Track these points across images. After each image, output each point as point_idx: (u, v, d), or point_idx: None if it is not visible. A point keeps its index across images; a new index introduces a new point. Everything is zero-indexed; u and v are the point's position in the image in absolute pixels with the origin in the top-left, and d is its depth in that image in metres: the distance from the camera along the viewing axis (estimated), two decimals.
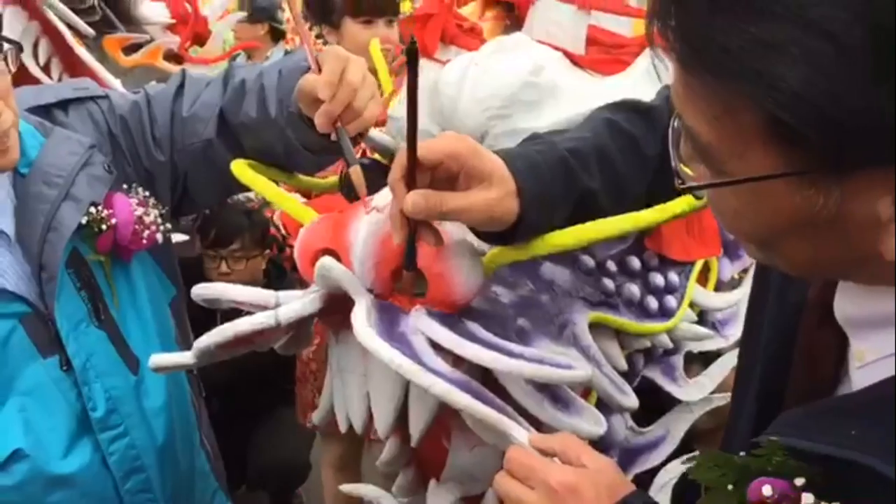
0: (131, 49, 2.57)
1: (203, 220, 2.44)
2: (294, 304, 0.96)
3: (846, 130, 0.52)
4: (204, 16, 3.04)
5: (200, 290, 1.03)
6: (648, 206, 0.99)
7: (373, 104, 1.15)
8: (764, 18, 0.52)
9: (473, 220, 0.92)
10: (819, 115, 0.52)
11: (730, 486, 0.67)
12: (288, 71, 1.23)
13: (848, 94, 0.51)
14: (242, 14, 3.77)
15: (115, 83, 2.13)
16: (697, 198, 0.88)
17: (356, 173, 1.02)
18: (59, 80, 2.18)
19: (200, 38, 3.04)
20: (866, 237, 0.57)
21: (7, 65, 1.14)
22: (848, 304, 0.69)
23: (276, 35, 4.56)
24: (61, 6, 2.14)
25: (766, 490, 0.63)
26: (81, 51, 2.21)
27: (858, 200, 0.55)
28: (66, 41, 2.16)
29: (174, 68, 2.59)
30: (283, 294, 0.99)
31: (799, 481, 0.62)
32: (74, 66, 2.22)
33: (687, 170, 0.65)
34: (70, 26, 2.18)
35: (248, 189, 1.29)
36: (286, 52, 4.42)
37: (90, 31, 2.24)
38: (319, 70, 1.12)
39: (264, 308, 0.97)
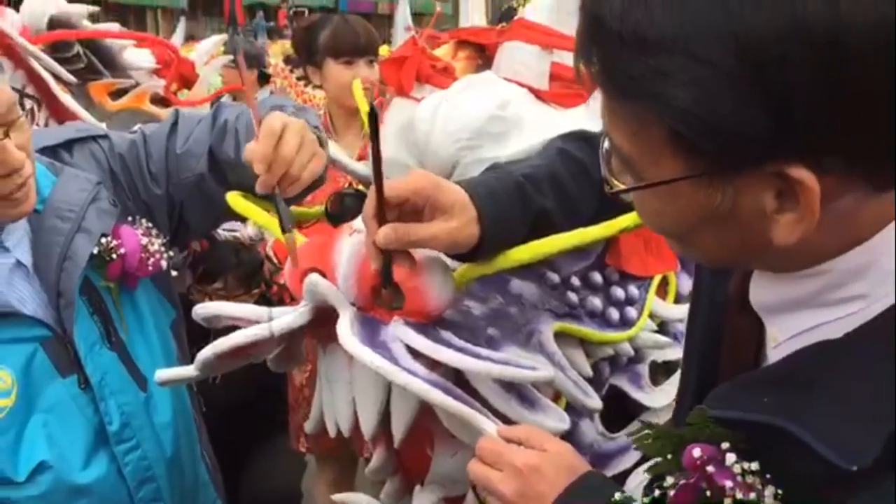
0: (118, 94, 2.67)
1: (195, 257, 2.52)
2: (286, 317, 1.07)
3: (728, 138, 0.62)
4: (191, 60, 3.15)
5: (201, 310, 1.14)
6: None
7: (313, 164, 1.25)
8: (658, 51, 0.63)
9: (438, 247, 1.04)
10: (706, 126, 0.62)
11: (669, 456, 0.78)
12: (250, 121, 1.31)
13: (727, 110, 0.62)
14: (228, 58, 3.89)
15: (100, 127, 2.23)
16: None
17: (289, 239, 1.12)
18: (46, 125, 2.27)
19: (188, 82, 3.14)
20: (759, 227, 0.67)
21: (27, 118, 1.25)
22: (760, 292, 0.79)
23: (263, 79, 4.71)
24: (45, 56, 2.23)
25: (696, 452, 0.72)
26: (66, 97, 2.29)
27: (747, 195, 0.66)
28: (50, 89, 2.26)
29: (160, 111, 2.68)
30: (275, 310, 1.10)
31: (724, 445, 0.72)
32: (59, 113, 2.31)
33: (617, 182, 0.77)
34: (54, 74, 2.27)
35: (241, 218, 1.40)
36: (271, 94, 4.57)
37: (72, 78, 2.31)
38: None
39: (258, 322, 1.08)
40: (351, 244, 1.08)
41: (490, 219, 1.03)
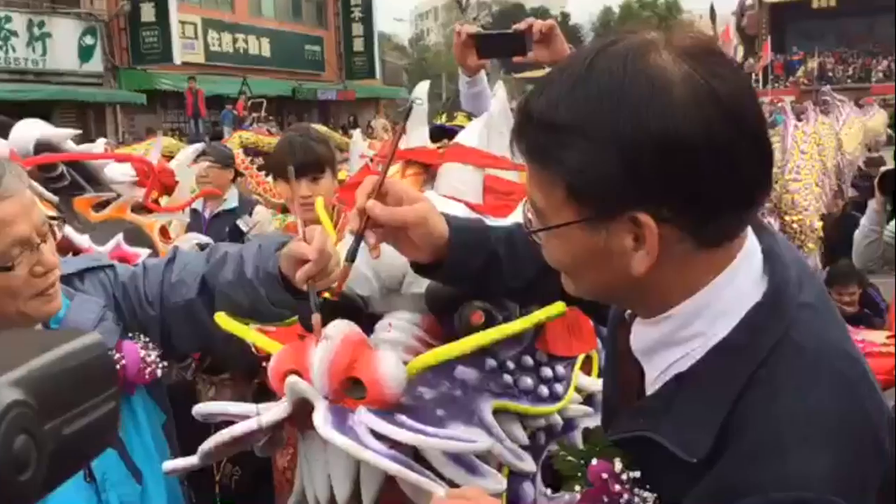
0: (101, 205, 2.89)
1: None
2: (271, 412, 1.31)
3: (601, 191, 0.89)
4: (170, 168, 3.37)
5: (201, 408, 1.38)
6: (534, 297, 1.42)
7: (336, 269, 1.51)
8: (562, 132, 0.90)
9: (412, 223, 1.28)
10: (588, 181, 0.89)
11: (578, 474, 1.03)
12: (266, 245, 1.60)
13: (601, 170, 0.88)
14: (203, 165, 4.12)
15: (83, 239, 2.42)
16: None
17: (316, 319, 1.38)
18: None
19: (168, 189, 3.37)
20: (622, 262, 0.93)
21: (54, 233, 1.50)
22: (636, 338, 1.04)
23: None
24: (30, 180, 2.45)
25: (597, 467, 0.99)
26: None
27: (615, 237, 0.92)
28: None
29: (142, 220, 2.91)
30: (261, 406, 1.35)
31: (616, 460, 0.98)
32: None
33: (532, 226, 1.01)
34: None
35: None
36: (239, 193, 4.88)
37: (53, 197, 2.54)
38: (306, 240, 1.48)
39: (248, 417, 1.32)
40: (323, 348, 1.33)
41: (456, 228, 1.31)
